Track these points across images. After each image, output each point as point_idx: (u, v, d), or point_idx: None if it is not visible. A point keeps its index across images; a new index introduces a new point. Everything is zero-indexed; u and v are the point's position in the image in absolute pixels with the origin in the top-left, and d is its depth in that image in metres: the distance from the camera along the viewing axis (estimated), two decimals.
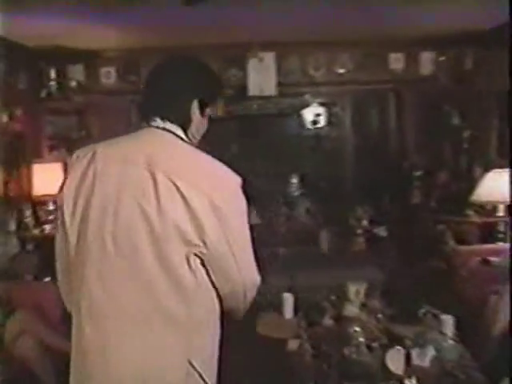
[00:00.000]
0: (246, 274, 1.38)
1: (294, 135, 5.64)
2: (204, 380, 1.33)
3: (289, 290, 3.55)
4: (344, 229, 4.95)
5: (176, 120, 1.43)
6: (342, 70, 4.92)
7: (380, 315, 2.85)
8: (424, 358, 2.40)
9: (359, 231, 4.83)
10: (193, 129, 1.48)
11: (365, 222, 4.82)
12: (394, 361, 2.31)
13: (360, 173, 5.43)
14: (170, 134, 1.41)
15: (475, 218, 4.34)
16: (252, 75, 4.94)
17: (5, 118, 4.28)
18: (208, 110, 1.50)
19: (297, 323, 3.13)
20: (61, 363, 2.91)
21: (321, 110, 5.62)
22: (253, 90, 4.97)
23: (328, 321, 2.90)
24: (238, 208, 1.37)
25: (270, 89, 4.96)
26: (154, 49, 4.48)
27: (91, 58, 4.87)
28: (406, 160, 5.02)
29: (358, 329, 2.46)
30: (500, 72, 4.40)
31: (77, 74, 4.89)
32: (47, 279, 3.62)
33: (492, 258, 3.61)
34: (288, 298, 3.28)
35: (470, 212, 4.42)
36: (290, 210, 5.27)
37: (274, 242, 5.03)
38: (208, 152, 1.40)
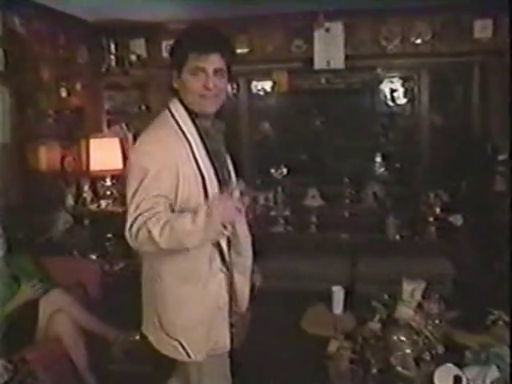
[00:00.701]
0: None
1: (366, 112, 5.20)
2: None
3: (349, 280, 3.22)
4: (414, 215, 4.50)
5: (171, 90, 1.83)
6: (418, 41, 4.43)
7: (437, 321, 2.50)
8: (483, 380, 2.03)
9: (431, 219, 4.37)
10: (181, 94, 1.81)
11: (437, 209, 4.34)
12: (443, 380, 1.97)
13: (436, 155, 4.91)
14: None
15: None
16: (318, 47, 4.58)
17: (64, 93, 4.27)
18: (185, 73, 1.75)
19: (345, 320, 2.86)
20: (94, 345, 2.86)
21: (397, 85, 5.14)
22: (319, 62, 4.62)
23: (375, 324, 2.57)
24: (129, 172, 1.73)
25: (338, 62, 4.58)
26: (216, 20, 4.26)
27: (153, 32, 4.73)
28: (489, 142, 4.46)
29: (403, 338, 2.13)
30: None
31: (138, 47, 4.78)
32: (93, 257, 3.59)
33: None
34: (338, 292, 3.00)
35: None
36: (356, 192, 4.89)
37: (337, 226, 4.72)
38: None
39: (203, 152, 1.78)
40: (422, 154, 4.99)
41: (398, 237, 4.50)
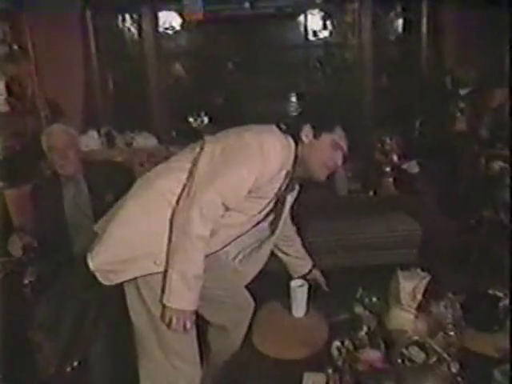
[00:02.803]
0: None
1: (296, 43, 4.34)
2: None
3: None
4: (367, 166, 3.79)
5: None
6: None
7: (451, 325, 1.82)
8: None
9: (387, 169, 3.67)
10: None
11: (395, 157, 3.65)
12: None
13: (383, 92, 4.20)
14: None
15: None
16: None
17: None
18: None
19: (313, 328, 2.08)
20: None
21: (330, 9, 4.28)
22: None
23: (363, 338, 1.83)
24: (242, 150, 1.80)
25: None
26: None
27: None
28: (447, 75, 3.78)
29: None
30: None
31: None
32: None
33: None
34: (298, 289, 2.18)
35: None
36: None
37: None
38: None
39: None
40: (365, 91, 4.26)
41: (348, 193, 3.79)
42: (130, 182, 1.89)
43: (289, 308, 2.15)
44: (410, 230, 3.35)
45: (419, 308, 1.89)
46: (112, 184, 2.36)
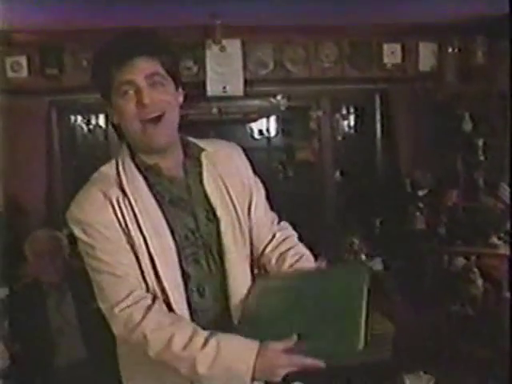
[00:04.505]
0: None
1: (262, 147, 4.54)
2: None
3: None
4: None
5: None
6: (326, 64, 3.90)
7: None
8: None
9: None
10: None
11: (363, 256, 3.75)
12: None
13: (344, 193, 4.40)
14: None
15: (505, 250, 3.41)
16: (211, 69, 3.82)
17: None
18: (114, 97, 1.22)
19: None
20: None
21: (289, 114, 4.54)
22: (213, 88, 3.86)
23: None
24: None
25: (236, 87, 3.86)
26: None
27: None
28: (406, 177, 4.04)
29: None
30: None
31: None
32: None
33: None
34: None
35: (496, 241, 3.50)
36: None
37: None
38: None
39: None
40: (327, 193, 4.44)
41: None
42: None
43: None
44: (384, 329, 3.35)
45: None
46: None
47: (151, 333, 1.11)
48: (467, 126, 3.82)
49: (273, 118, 4.52)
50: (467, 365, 3.08)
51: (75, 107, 4.10)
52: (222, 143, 1.42)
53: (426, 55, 3.97)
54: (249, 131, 4.60)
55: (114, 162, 1.28)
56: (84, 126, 4.39)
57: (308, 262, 1.40)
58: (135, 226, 1.19)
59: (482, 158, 3.75)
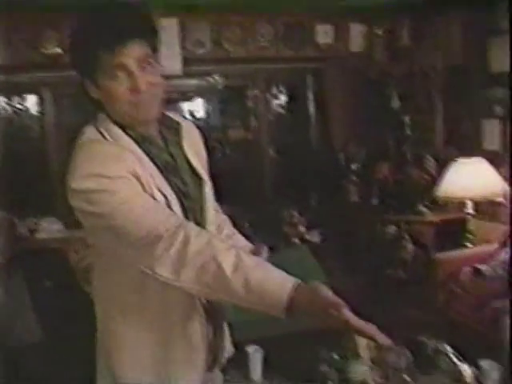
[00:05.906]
0: None
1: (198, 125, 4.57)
2: None
3: None
4: (277, 238, 4.01)
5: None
6: (263, 44, 4.00)
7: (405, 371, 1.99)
8: None
9: (296, 240, 3.93)
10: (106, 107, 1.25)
11: (301, 228, 3.93)
12: None
13: (280, 170, 4.56)
14: None
15: (431, 217, 3.72)
16: None
17: None
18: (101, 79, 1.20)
19: None
20: None
21: (226, 93, 4.61)
22: None
23: None
24: None
25: (174, 66, 3.87)
26: None
27: None
28: (339, 152, 4.25)
29: None
30: (443, 46, 3.84)
31: None
32: None
33: (479, 266, 2.98)
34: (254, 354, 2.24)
35: (423, 209, 3.79)
36: None
37: None
38: None
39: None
40: (264, 169, 4.58)
41: None
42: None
43: None
44: None
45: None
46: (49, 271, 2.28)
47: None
48: (395, 103, 4.08)
49: (209, 97, 4.56)
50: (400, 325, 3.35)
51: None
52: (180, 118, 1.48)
53: (357, 36, 4.18)
54: (186, 110, 4.61)
55: (93, 131, 1.23)
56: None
57: (239, 241, 1.51)
58: (153, 183, 1.20)
59: (409, 133, 4.03)
